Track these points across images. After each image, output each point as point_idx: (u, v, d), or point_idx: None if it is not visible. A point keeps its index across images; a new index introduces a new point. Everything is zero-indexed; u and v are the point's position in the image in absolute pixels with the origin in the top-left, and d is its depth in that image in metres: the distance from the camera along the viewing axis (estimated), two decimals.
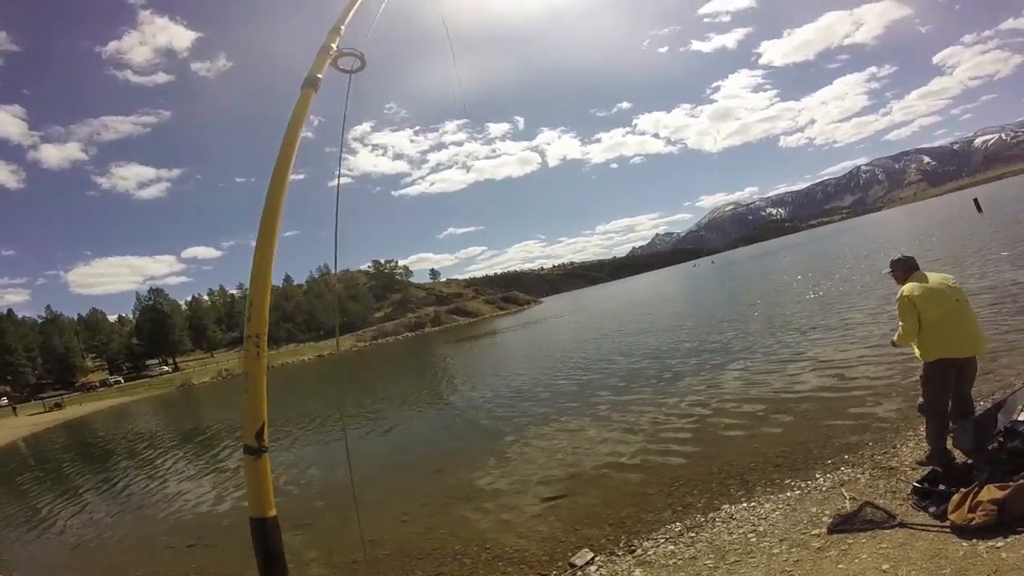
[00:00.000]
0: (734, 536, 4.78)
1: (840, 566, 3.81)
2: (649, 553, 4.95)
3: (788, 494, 5.36)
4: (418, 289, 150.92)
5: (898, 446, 5.77)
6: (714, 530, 5.04)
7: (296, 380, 48.21)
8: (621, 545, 5.29)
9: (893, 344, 5.24)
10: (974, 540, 3.63)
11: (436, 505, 7.71)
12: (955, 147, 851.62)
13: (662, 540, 5.13)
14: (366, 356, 66.97)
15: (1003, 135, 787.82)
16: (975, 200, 50.46)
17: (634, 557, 4.96)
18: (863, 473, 5.29)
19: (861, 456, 5.82)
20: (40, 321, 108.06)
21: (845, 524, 4.29)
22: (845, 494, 4.90)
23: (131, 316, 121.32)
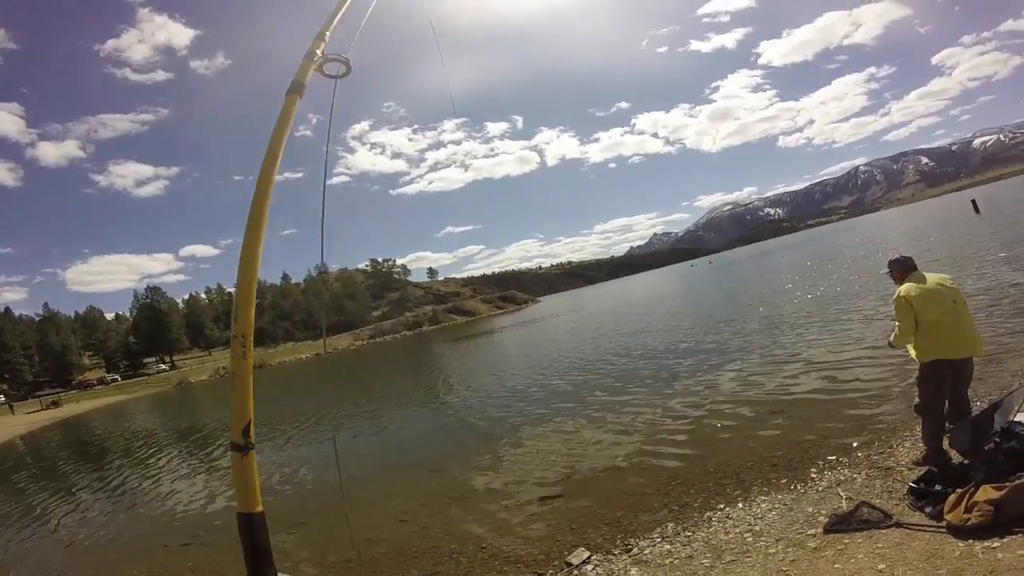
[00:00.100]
0: (730, 536, 4.78)
1: (836, 566, 3.80)
2: (645, 552, 4.95)
3: (784, 494, 5.37)
4: (416, 288, 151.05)
5: (894, 446, 5.77)
6: (710, 529, 5.03)
7: (293, 378, 48.20)
8: (617, 544, 5.28)
9: (890, 345, 5.24)
10: (970, 540, 3.62)
11: (433, 504, 7.69)
12: (953, 148, 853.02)
13: (658, 539, 5.12)
14: (364, 355, 66.96)
15: (1001, 136, 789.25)
16: (973, 201, 50.53)
17: (630, 556, 4.95)
18: (859, 473, 5.29)
19: (857, 456, 5.82)
20: (37, 319, 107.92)
21: (841, 524, 4.29)
22: (841, 494, 4.90)
23: (128, 314, 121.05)
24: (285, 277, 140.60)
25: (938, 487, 4.26)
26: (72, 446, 27.20)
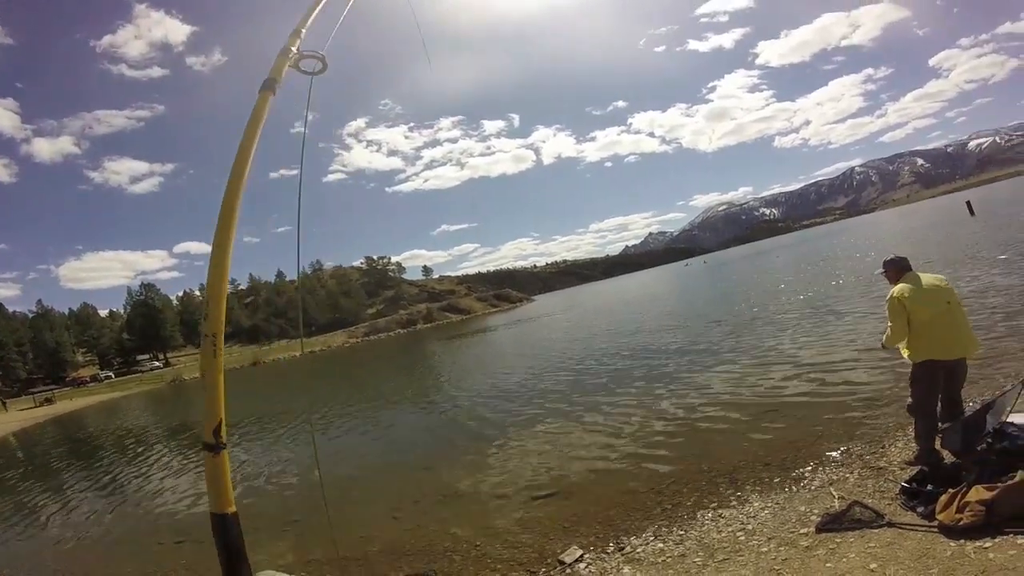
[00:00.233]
0: (723, 534, 4.78)
1: (828, 565, 3.81)
2: (638, 551, 4.95)
3: (777, 493, 5.38)
4: (411, 286, 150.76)
5: (887, 446, 5.79)
6: (703, 528, 5.04)
7: (287, 376, 48.08)
8: (610, 543, 5.28)
9: (882, 346, 5.25)
10: (962, 540, 3.63)
11: (426, 503, 7.68)
12: (949, 150, 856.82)
13: (651, 538, 5.13)
14: (358, 352, 66.88)
15: (997, 138, 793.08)
16: (968, 203, 50.58)
17: (623, 555, 4.95)
18: (852, 473, 5.31)
19: (850, 456, 5.84)
20: (31, 316, 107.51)
21: (833, 523, 4.30)
22: (834, 493, 4.91)
23: (122, 311, 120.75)
24: (280, 274, 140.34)
25: (930, 487, 4.27)
26: (65, 443, 27.05)
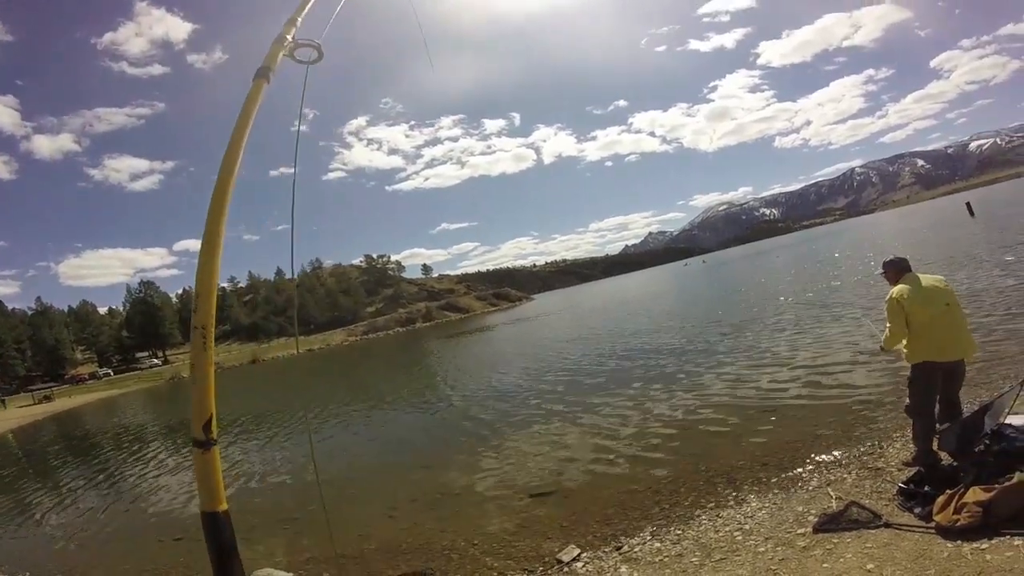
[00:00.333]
0: (720, 534, 4.78)
1: (825, 565, 3.80)
2: (635, 550, 4.95)
3: (775, 493, 5.37)
4: (410, 284, 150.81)
5: (884, 447, 5.78)
6: (700, 528, 5.04)
7: (286, 374, 48.08)
8: (608, 542, 5.28)
9: (881, 348, 5.24)
10: (959, 541, 3.63)
11: (423, 501, 7.67)
12: (949, 151, 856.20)
13: (648, 537, 5.12)
14: (357, 350, 66.85)
15: (998, 140, 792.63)
16: (968, 204, 50.63)
17: (620, 554, 4.95)
18: (849, 473, 5.30)
19: (848, 456, 5.83)
20: (30, 313, 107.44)
21: (831, 523, 4.29)
22: (831, 494, 4.91)
23: (121, 308, 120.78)
24: (279, 272, 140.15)
25: (927, 488, 4.26)
26: (64, 441, 27.06)
